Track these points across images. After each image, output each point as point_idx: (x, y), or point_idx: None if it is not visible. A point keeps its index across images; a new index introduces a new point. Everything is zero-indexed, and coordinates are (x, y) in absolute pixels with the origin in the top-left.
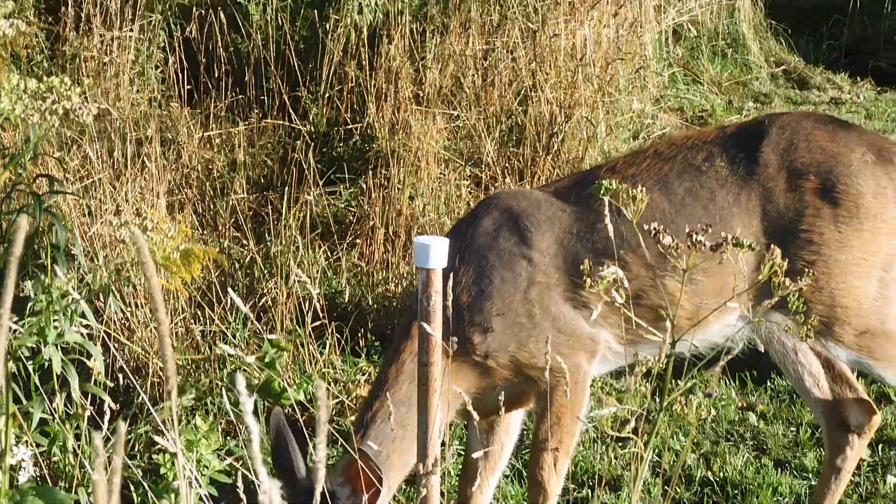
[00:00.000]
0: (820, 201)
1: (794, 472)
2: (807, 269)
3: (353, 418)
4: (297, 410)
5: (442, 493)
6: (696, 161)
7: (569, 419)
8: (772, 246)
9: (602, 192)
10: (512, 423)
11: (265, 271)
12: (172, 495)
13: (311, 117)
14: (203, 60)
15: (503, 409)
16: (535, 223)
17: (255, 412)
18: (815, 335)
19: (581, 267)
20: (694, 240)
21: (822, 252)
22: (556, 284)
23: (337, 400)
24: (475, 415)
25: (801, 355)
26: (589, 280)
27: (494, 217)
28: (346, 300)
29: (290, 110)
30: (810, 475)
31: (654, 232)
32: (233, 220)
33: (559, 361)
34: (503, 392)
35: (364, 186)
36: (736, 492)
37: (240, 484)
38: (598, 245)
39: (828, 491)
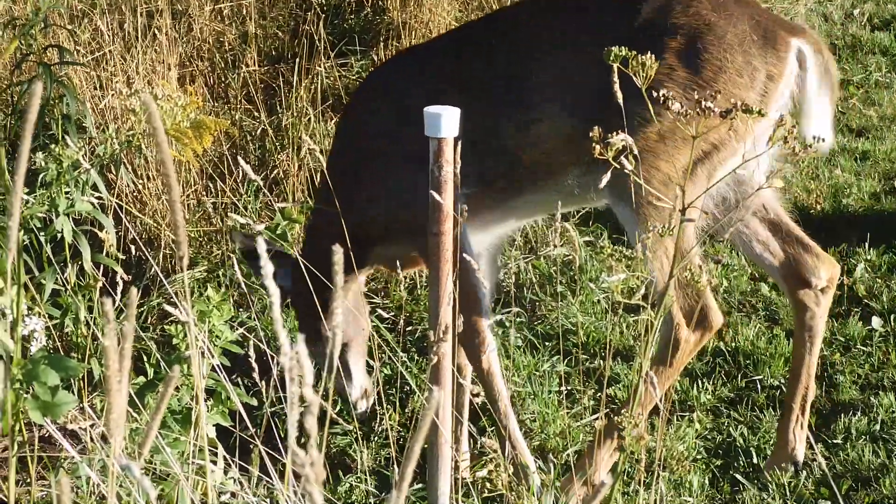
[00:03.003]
0: (678, 62)
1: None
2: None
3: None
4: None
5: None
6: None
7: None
8: (782, 115)
9: (612, 58)
10: None
11: (276, 143)
12: (185, 365)
13: None
14: None
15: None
16: (393, 81)
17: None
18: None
19: (591, 133)
20: (703, 106)
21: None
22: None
23: None
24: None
25: (745, 224)
26: (598, 147)
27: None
28: None
29: None
30: (822, 345)
31: (663, 98)
32: (244, 92)
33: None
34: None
35: (375, 58)
36: (748, 362)
37: (252, 354)
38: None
39: (805, 350)
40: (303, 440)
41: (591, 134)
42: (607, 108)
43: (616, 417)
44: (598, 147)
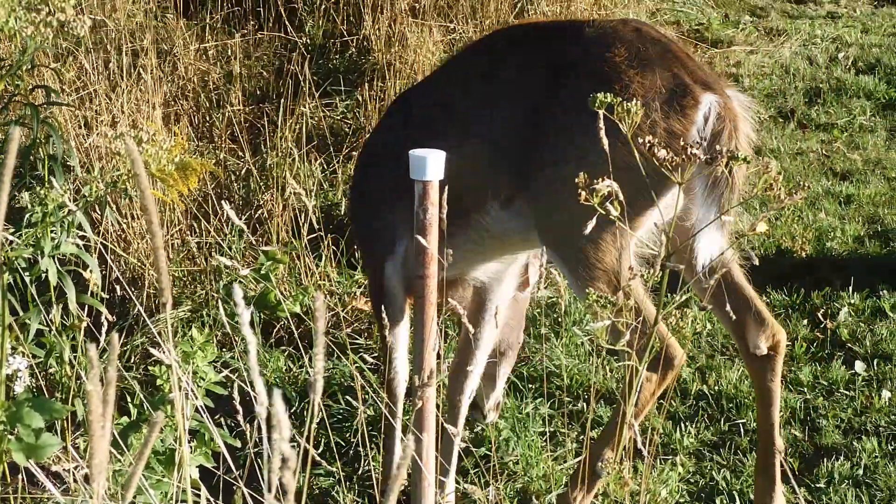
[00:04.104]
0: (583, 109)
1: (790, 387)
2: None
3: (348, 330)
4: (292, 323)
5: (438, 406)
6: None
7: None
8: (767, 161)
9: (597, 104)
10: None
11: (261, 183)
12: (168, 406)
13: (307, 29)
14: None
15: None
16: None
17: (252, 324)
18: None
19: (576, 179)
20: (690, 152)
21: (566, 158)
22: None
23: (332, 312)
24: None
25: (704, 282)
26: (584, 193)
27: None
28: (342, 212)
29: (287, 22)
30: (805, 389)
31: (648, 145)
32: (229, 131)
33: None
34: None
35: (360, 99)
36: (731, 405)
37: (235, 396)
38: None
39: (764, 408)
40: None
41: (577, 180)
42: (518, 147)
43: (599, 464)
44: (583, 193)
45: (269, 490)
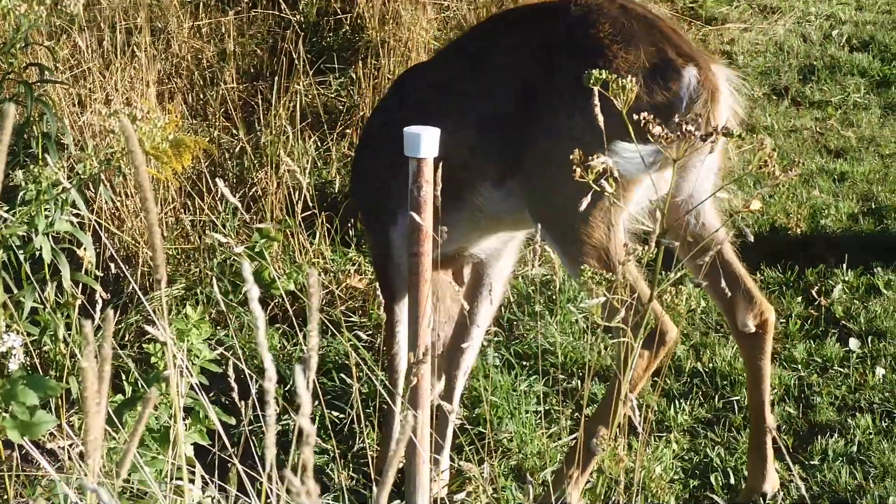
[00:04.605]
0: (570, 85)
1: (784, 364)
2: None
3: (342, 308)
4: (286, 300)
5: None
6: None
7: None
8: (762, 138)
9: (592, 81)
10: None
11: (255, 161)
12: (163, 384)
13: (300, 7)
14: None
15: None
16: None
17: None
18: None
19: (571, 157)
20: (684, 129)
21: (559, 137)
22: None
23: (327, 290)
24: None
25: (698, 259)
26: (578, 170)
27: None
28: (336, 190)
29: None
30: (799, 366)
31: (643, 122)
32: (222, 109)
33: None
34: None
35: (354, 76)
36: (725, 383)
37: (230, 373)
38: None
39: (757, 385)
40: (280, 457)
41: (572, 157)
42: (509, 127)
43: (594, 441)
44: (578, 170)
45: (265, 468)
